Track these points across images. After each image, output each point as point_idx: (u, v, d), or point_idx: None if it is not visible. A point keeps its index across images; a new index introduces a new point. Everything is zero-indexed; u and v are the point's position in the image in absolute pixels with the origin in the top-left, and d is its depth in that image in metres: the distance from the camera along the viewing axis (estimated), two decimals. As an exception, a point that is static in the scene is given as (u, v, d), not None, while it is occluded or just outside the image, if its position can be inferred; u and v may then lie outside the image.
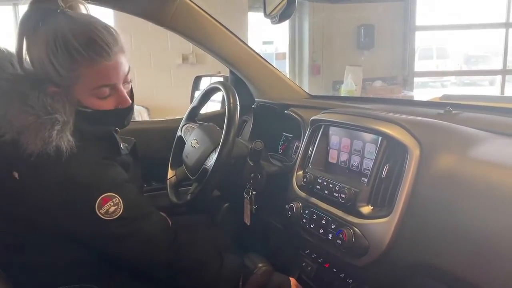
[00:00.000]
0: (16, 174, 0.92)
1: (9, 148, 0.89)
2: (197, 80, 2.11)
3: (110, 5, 1.60)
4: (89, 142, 0.98)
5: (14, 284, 0.97)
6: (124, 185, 1.01)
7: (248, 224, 1.31)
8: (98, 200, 0.93)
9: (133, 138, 1.24)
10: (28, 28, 0.93)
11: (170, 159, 1.52)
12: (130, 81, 1.04)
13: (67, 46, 0.90)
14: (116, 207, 0.95)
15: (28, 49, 0.95)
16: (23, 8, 0.96)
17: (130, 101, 1.02)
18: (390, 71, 6.35)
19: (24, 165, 0.90)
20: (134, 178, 1.16)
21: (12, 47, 0.97)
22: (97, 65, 0.93)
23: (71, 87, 0.95)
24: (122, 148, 1.10)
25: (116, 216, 0.95)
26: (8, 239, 0.98)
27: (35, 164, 0.89)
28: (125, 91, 1.00)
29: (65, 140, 0.90)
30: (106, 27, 0.95)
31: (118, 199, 0.95)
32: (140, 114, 4.58)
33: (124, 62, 0.98)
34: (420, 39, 6.82)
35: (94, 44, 0.91)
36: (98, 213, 0.93)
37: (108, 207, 0.94)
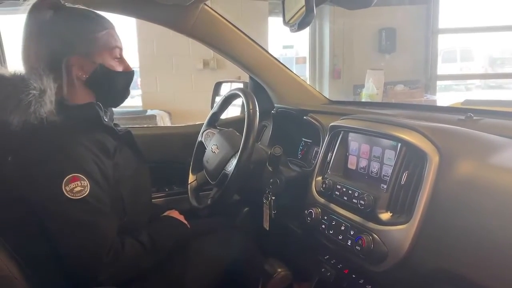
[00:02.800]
0: (9, 158, 1.00)
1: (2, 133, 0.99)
2: (218, 86, 2.14)
3: (134, 15, 1.64)
4: (74, 116, 1.07)
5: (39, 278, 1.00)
6: (99, 178, 1.03)
7: (267, 229, 1.32)
8: (68, 176, 0.97)
9: (128, 129, 1.28)
10: (36, 24, 1.08)
11: (191, 164, 1.55)
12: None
13: (83, 13, 1.13)
14: (82, 188, 0.98)
15: (37, 42, 1.08)
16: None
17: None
18: (412, 74, 6.25)
19: (14, 143, 1.00)
20: (138, 175, 1.20)
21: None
22: (106, 30, 1.14)
23: (93, 51, 1.11)
24: (106, 120, 1.15)
25: (79, 197, 0.97)
26: (26, 229, 1.01)
27: (21, 137, 0.99)
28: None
29: (45, 108, 0.99)
30: None
31: (87, 183, 0.99)
32: (162, 119, 4.63)
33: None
34: (444, 42, 6.70)
35: (99, 16, 1.16)
36: (63, 188, 0.96)
37: (74, 185, 0.97)
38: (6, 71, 1.05)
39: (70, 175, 0.97)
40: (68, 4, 1.14)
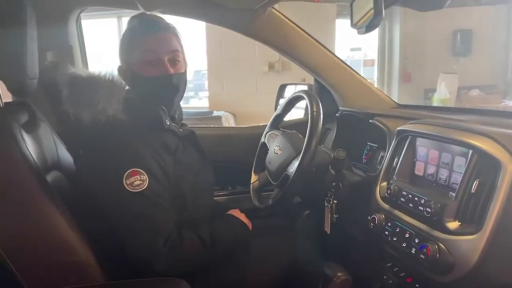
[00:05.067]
0: (80, 151, 1.15)
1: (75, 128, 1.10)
2: (282, 88, 2.15)
3: (205, 19, 1.71)
4: (139, 116, 1.12)
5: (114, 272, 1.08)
6: (158, 173, 1.09)
7: (328, 232, 1.31)
8: (129, 171, 1.04)
9: (192, 129, 1.32)
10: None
11: (254, 164, 1.58)
12: (178, 61, 1.19)
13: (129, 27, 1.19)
14: (141, 182, 1.04)
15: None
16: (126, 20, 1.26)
17: (172, 70, 1.16)
18: (489, 79, 5.87)
19: (85, 138, 1.11)
20: (201, 173, 1.24)
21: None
22: (144, 36, 1.15)
23: (127, 57, 1.18)
24: (168, 123, 1.19)
25: (138, 190, 1.03)
26: (101, 219, 1.08)
27: (91, 133, 1.08)
28: (167, 62, 1.15)
29: (113, 107, 1.08)
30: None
31: (146, 177, 1.05)
32: (227, 120, 4.75)
33: (171, 41, 1.17)
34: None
35: (145, 21, 1.18)
36: (124, 182, 1.03)
37: (134, 179, 1.04)
38: (82, 72, 1.15)
39: (131, 170, 1.04)
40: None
